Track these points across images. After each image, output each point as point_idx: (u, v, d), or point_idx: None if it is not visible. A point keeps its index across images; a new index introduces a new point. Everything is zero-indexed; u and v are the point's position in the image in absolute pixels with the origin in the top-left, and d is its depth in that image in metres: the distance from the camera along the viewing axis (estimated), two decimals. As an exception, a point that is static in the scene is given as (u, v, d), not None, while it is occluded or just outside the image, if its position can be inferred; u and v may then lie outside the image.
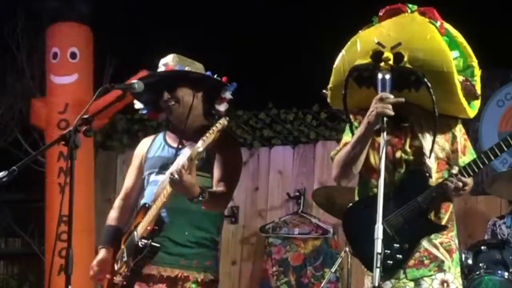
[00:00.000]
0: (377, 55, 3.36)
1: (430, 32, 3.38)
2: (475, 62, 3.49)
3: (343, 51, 3.53)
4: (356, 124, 3.53)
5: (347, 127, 3.58)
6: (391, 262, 3.35)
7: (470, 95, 3.44)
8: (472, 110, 3.49)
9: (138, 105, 4.08)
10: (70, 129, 3.24)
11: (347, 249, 5.15)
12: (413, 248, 3.40)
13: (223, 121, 3.59)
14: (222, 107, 4.07)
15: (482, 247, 5.03)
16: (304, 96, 6.99)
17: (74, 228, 3.18)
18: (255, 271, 6.83)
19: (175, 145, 3.95)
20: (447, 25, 3.47)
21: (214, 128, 3.56)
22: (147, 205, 3.83)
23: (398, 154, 3.47)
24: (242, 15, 7.32)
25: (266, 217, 6.91)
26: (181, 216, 3.80)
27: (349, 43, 3.54)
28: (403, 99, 3.31)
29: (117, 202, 4.08)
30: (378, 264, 3.02)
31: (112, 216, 4.03)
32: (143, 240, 3.72)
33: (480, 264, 4.94)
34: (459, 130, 3.56)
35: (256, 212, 6.98)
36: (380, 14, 3.54)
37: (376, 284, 3.02)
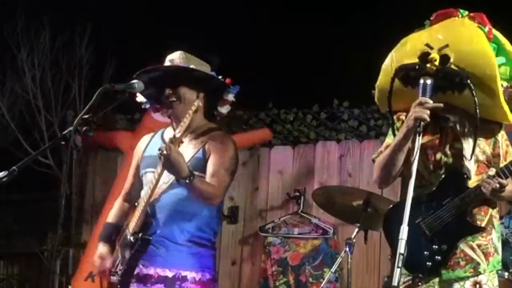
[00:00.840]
0: (424, 56, 3.40)
1: (477, 36, 3.43)
2: None
3: (392, 52, 3.57)
4: (398, 124, 3.55)
5: (390, 129, 3.60)
6: (430, 263, 3.39)
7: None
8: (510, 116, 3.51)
9: (140, 98, 4.03)
10: (70, 129, 3.24)
11: (347, 249, 5.14)
12: (451, 250, 3.41)
13: (197, 103, 3.63)
14: (224, 109, 4.07)
15: (482, 247, 5.02)
16: (304, 96, 6.99)
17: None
18: (255, 271, 6.83)
19: None
20: (496, 32, 3.52)
21: (189, 111, 3.61)
22: (137, 204, 3.85)
23: (438, 156, 3.49)
24: (242, 15, 7.32)
25: (266, 217, 6.91)
26: (178, 216, 3.78)
27: (399, 43, 3.58)
28: (441, 104, 3.34)
29: (117, 201, 4.08)
30: (400, 264, 3.02)
31: (111, 214, 4.04)
32: (134, 235, 3.73)
33: (480, 264, 4.93)
34: (501, 136, 3.57)
35: (256, 212, 6.98)
36: (432, 18, 3.60)
37: (396, 284, 3.02)
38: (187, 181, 3.64)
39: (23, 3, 7.27)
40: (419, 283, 3.40)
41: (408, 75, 3.44)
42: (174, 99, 3.88)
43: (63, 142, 3.25)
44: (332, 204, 5.43)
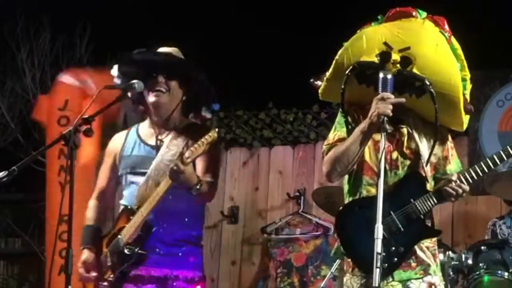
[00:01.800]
0: (384, 56, 3.35)
1: (440, 42, 3.38)
2: (468, 76, 3.49)
3: (346, 45, 3.50)
4: (349, 118, 3.50)
5: (341, 121, 3.53)
6: (386, 264, 3.34)
7: (465, 110, 3.46)
8: (465, 124, 3.52)
9: (117, 79, 3.90)
10: (70, 129, 3.23)
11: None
12: (408, 252, 3.39)
13: (213, 134, 3.58)
14: (197, 121, 4.01)
15: (482, 247, 5.03)
16: (304, 96, 6.98)
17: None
18: (255, 271, 6.83)
19: (151, 142, 3.88)
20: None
21: (203, 140, 3.56)
22: (129, 207, 3.79)
23: (395, 155, 3.45)
24: (242, 15, 7.32)
25: (266, 217, 6.91)
26: (169, 217, 3.76)
27: (353, 37, 3.50)
28: (403, 99, 3.30)
29: (92, 202, 3.97)
30: (378, 264, 3.00)
31: (90, 216, 3.93)
32: (129, 247, 3.69)
33: (480, 264, 4.94)
34: (449, 138, 3.57)
35: (256, 212, 6.97)
36: (389, 14, 3.53)
37: (376, 284, 3.00)
38: (197, 187, 3.65)
39: (23, 3, 7.28)
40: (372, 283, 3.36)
41: (364, 72, 3.38)
42: (164, 89, 3.81)
43: (63, 142, 3.24)
44: (332, 204, 5.43)
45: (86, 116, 3.30)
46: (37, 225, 7.37)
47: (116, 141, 3.98)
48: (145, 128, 3.94)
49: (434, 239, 3.49)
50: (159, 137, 3.87)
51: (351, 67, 3.39)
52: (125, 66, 3.85)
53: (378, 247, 3.00)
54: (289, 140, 7.05)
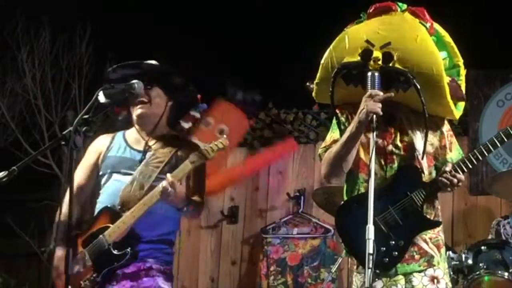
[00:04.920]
0: (366, 54, 3.35)
1: (420, 33, 3.38)
2: (461, 62, 3.50)
3: (330, 47, 3.51)
4: (342, 118, 3.52)
5: (334, 124, 3.56)
6: (387, 259, 3.36)
7: (456, 97, 3.45)
8: (458, 111, 3.51)
9: (102, 98, 3.93)
10: (70, 129, 3.23)
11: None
12: (408, 245, 3.40)
13: (225, 141, 3.65)
14: (186, 125, 4.01)
15: (482, 247, 5.02)
16: (304, 96, 6.98)
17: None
18: (255, 271, 6.82)
19: (138, 147, 3.90)
20: (435, 25, 3.47)
21: (213, 146, 3.62)
22: (111, 207, 3.77)
23: (389, 148, 3.47)
24: (242, 15, 7.32)
25: (266, 217, 6.91)
26: (147, 217, 3.73)
27: (337, 39, 3.52)
28: (391, 94, 3.31)
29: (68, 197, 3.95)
30: (370, 265, 3.00)
31: (66, 212, 3.76)
32: (118, 248, 3.68)
33: (480, 264, 4.93)
34: (446, 127, 3.57)
35: (256, 212, 6.97)
36: (369, 11, 3.54)
37: (367, 285, 3.01)
38: (185, 209, 3.74)
39: (23, 3, 7.28)
40: (376, 279, 3.36)
41: (350, 73, 3.40)
42: (145, 99, 3.84)
43: (63, 142, 3.24)
44: (332, 204, 5.43)
45: (86, 116, 3.30)
46: (37, 225, 7.36)
47: (102, 141, 3.99)
48: (132, 135, 3.97)
49: (438, 229, 3.49)
50: (148, 144, 3.89)
51: (335, 69, 3.41)
52: (106, 89, 3.82)
53: (370, 248, 3.01)
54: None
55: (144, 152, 3.86)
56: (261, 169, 6.79)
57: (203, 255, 7.02)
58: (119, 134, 4.00)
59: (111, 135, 4.01)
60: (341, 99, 3.50)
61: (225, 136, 3.73)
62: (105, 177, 3.89)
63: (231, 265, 6.95)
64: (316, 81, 3.58)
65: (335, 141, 3.49)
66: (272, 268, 6.59)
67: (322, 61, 3.52)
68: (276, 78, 7.08)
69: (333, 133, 3.55)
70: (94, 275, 3.72)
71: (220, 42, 7.30)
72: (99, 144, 3.98)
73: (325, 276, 6.15)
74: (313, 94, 3.66)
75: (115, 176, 3.85)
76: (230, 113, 6.06)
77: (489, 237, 5.45)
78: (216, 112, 5.99)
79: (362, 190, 3.45)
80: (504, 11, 6.34)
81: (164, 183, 3.62)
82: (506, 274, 4.86)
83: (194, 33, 7.03)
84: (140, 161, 3.83)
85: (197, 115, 4.02)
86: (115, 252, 3.69)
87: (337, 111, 3.55)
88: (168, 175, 3.64)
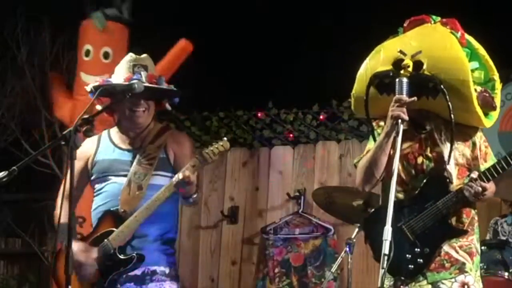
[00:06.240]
0: (398, 63, 3.42)
1: (449, 41, 3.44)
2: (496, 76, 3.55)
3: (366, 60, 3.59)
4: (379, 131, 3.57)
5: (371, 135, 3.62)
6: (412, 266, 3.41)
7: (488, 106, 3.49)
8: (488, 120, 3.53)
9: (99, 106, 3.85)
10: (70, 129, 3.23)
11: (347, 249, 5.14)
12: (433, 253, 3.44)
13: (226, 144, 3.67)
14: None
15: (482, 247, 5.02)
16: (304, 96, 6.99)
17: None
18: (255, 271, 6.82)
19: (126, 146, 3.90)
20: (469, 37, 3.53)
21: (214, 150, 3.65)
22: (113, 211, 3.77)
23: (420, 159, 3.51)
24: (242, 15, 7.32)
25: (266, 217, 6.91)
26: (152, 217, 3.74)
27: (373, 51, 3.60)
28: (414, 98, 3.34)
29: (63, 201, 3.69)
30: (384, 265, 3.03)
31: (65, 214, 3.64)
32: (124, 252, 3.69)
33: (480, 264, 4.93)
34: (480, 138, 3.59)
35: (256, 212, 6.97)
36: (405, 25, 3.62)
37: (380, 285, 3.04)
38: (194, 196, 3.75)
39: (23, 3, 7.28)
40: (401, 286, 3.41)
41: (382, 82, 3.45)
42: (144, 108, 3.84)
43: (63, 142, 3.24)
44: (332, 204, 5.43)
45: (86, 116, 3.30)
46: (37, 225, 7.36)
47: (89, 146, 3.95)
48: (117, 134, 3.95)
49: (471, 237, 3.50)
50: (135, 142, 3.88)
51: (368, 79, 3.47)
52: (106, 89, 3.79)
53: (386, 248, 3.03)
54: (289, 140, 7.05)
55: (134, 151, 3.86)
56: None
57: (203, 255, 7.03)
58: (104, 135, 3.98)
59: (96, 138, 3.97)
60: (378, 111, 3.55)
61: (225, 138, 3.72)
62: (100, 181, 3.88)
63: (231, 265, 6.95)
64: (352, 92, 3.65)
65: (369, 151, 3.55)
66: (276, 270, 6.60)
67: (358, 73, 3.60)
68: (276, 78, 7.09)
69: (369, 144, 3.61)
70: (101, 280, 3.72)
71: (220, 42, 7.30)
72: (86, 149, 3.93)
73: (328, 275, 6.15)
74: (352, 107, 3.73)
75: (109, 178, 3.85)
76: (105, 29, 6.25)
77: (487, 236, 5.46)
78: (90, 35, 6.27)
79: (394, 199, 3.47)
80: (504, 11, 6.34)
81: (186, 172, 3.61)
82: (506, 274, 4.87)
83: (194, 33, 7.03)
84: (131, 160, 3.82)
85: (169, 107, 4.01)
86: (121, 256, 3.70)
87: (374, 123, 3.61)
88: (183, 170, 3.64)
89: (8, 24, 7.35)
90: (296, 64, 7.17)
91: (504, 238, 5.38)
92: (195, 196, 3.76)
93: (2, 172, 3.20)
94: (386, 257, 3.03)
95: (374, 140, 3.55)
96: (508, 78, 6.45)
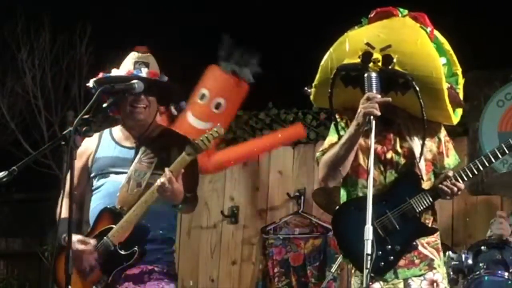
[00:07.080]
0: (366, 56, 3.36)
1: (420, 37, 3.39)
2: (459, 70, 3.50)
3: (331, 50, 3.52)
4: (342, 123, 3.53)
5: (333, 127, 3.56)
6: (383, 263, 3.38)
7: (455, 103, 3.46)
8: (455, 117, 3.51)
9: (105, 104, 3.79)
10: (70, 129, 3.23)
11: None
12: (404, 250, 3.42)
13: (220, 130, 3.65)
14: (159, 117, 4.03)
15: (482, 247, 5.03)
16: (304, 96, 6.98)
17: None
18: (255, 271, 6.82)
19: (127, 144, 3.90)
20: (435, 32, 3.48)
21: (208, 136, 3.63)
22: (112, 208, 3.77)
23: (389, 155, 3.47)
24: (242, 15, 7.32)
25: (266, 217, 6.91)
26: (151, 216, 3.74)
27: (337, 42, 3.53)
28: (389, 99, 3.31)
29: (64, 200, 3.68)
30: (368, 265, 3.01)
31: (65, 211, 3.66)
32: (125, 248, 3.68)
33: (480, 264, 4.94)
34: (443, 133, 3.57)
35: (256, 212, 6.98)
36: (371, 16, 3.55)
37: (364, 285, 3.03)
38: (180, 205, 3.74)
39: (23, 3, 7.28)
40: (370, 283, 3.37)
41: (349, 74, 3.41)
42: (145, 105, 3.84)
43: (63, 142, 3.24)
44: (332, 204, 5.43)
45: (86, 116, 3.29)
46: (37, 225, 7.37)
47: (89, 143, 3.95)
48: (119, 132, 3.96)
49: (436, 233, 3.50)
50: (139, 141, 3.88)
51: (334, 71, 3.42)
52: (106, 89, 3.78)
53: (368, 248, 3.02)
54: (289, 140, 7.05)
55: (136, 149, 3.86)
56: (267, 150, 6.67)
57: (203, 255, 7.03)
58: (106, 133, 3.99)
59: (97, 135, 3.97)
60: (341, 103, 3.51)
61: (219, 124, 3.70)
62: (99, 178, 3.89)
63: (231, 265, 6.95)
64: (314, 83, 3.59)
65: (332, 145, 3.49)
66: (276, 270, 6.60)
67: (321, 64, 3.53)
68: (276, 78, 7.08)
69: (331, 137, 3.55)
70: (104, 278, 3.72)
71: (219, 41, 7.29)
72: (87, 147, 3.94)
73: (328, 275, 6.14)
74: (311, 97, 3.66)
75: (109, 176, 3.85)
76: (225, 80, 5.93)
77: (488, 233, 5.45)
78: (210, 81, 5.94)
79: (361, 195, 3.45)
80: (504, 11, 6.34)
81: (161, 179, 3.61)
82: (506, 274, 4.86)
83: (194, 32, 7.04)
84: (133, 158, 3.82)
85: (175, 112, 4.03)
86: (122, 252, 3.70)
87: (337, 116, 3.55)
88: (167, 169, 3.63)
89: (8, 24, 7.35)
90: (296, 64, 7.16)
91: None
92: (180, 206, 3.75)
93: (2, 172, 3.20)
94: (369, 257, 3.00)
95: (337, 133, 3.50)
96: (508, 78, 6.47)
